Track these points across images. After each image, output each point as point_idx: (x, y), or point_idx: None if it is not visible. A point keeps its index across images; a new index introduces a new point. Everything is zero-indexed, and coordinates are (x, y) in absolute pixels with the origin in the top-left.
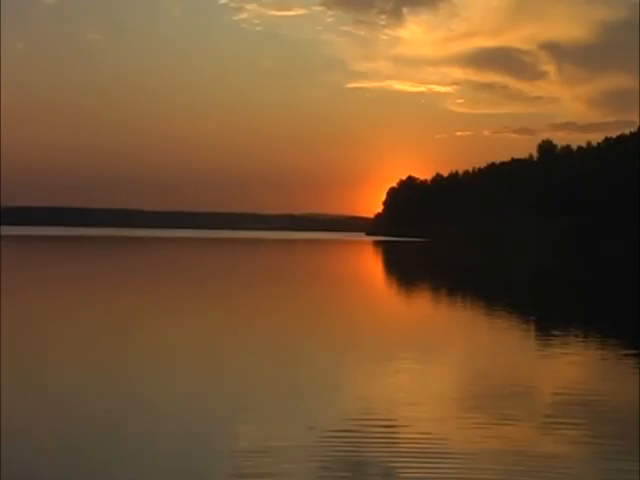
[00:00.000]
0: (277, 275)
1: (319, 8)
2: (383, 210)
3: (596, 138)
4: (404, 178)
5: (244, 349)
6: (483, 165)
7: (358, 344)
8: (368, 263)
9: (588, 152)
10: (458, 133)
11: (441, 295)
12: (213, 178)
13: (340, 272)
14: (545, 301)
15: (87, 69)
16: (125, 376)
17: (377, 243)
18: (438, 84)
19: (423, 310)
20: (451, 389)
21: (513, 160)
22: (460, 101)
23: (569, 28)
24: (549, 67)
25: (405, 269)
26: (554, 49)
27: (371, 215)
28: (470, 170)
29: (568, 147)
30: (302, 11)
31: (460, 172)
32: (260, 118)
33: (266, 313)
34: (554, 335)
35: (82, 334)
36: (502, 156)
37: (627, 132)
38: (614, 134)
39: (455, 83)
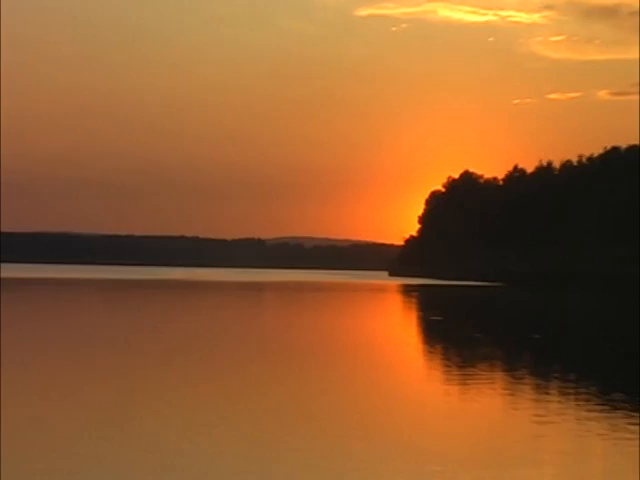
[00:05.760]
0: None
1: None
2: (419, 231)
3: None
4: (456, 176)
5: None
6: (597, 152)
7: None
8: (402, 347)
9: None
10: (552, 96)
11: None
12: (138, 182)
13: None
14: None
15: None
16: None
17: (409, 291)
18: (517, 10)
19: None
20: None
21: None
22: (557, 39)
23: None
24: None
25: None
26: None
27: (398, 241)
28: (574, 161)
29: None
30: None
31: (556, 164)
32: (213, 72)
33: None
34: None
35: None
36: (632, 136)
37: None
38: None
39: (547, 7)
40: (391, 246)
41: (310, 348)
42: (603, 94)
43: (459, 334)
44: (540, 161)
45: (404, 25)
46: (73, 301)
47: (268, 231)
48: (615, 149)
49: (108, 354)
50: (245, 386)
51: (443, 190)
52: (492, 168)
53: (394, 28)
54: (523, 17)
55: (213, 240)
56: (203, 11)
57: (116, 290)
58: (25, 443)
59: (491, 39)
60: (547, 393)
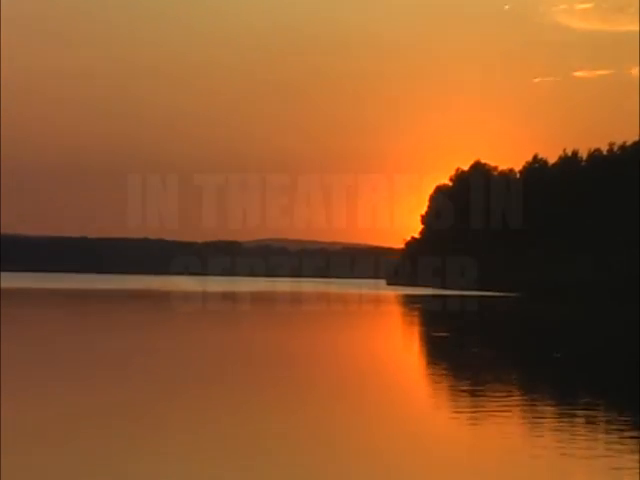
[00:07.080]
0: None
1: None
2: (422, 232)
3: None
4: (465, 168)
5: None
6: (631, 139)
7: None
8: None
9: None
10: (579, 73)
11: None
12: (89, 173)
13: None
14: None
15: None
16: None
17: (410, 302)
18: None
19: None
20: None
21: None
22: (584, 7)
23: None
24: None
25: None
26: None
27: (398, 245)
28: (604, 150)
29: None
30: None
31: (583, 154)
32: (187, 49)
33: None
34: None
35: None
36: None
37: None
38: None
39: None
40: (389, 250)
41: (301, 375)
42: (638, 71)
43: (467, 353)
44: (564, 150)
45: None
46: (15, 321)
47: (246, 232)
48: None
49: (75, 383)
50: (235, 426)
51: (450, 183)
52: (508, 158)
53: None
54: None
55: (180, 243)
56: None
57: (66, 304)
58: None
59: (507, 7)
60: (572, 425)
